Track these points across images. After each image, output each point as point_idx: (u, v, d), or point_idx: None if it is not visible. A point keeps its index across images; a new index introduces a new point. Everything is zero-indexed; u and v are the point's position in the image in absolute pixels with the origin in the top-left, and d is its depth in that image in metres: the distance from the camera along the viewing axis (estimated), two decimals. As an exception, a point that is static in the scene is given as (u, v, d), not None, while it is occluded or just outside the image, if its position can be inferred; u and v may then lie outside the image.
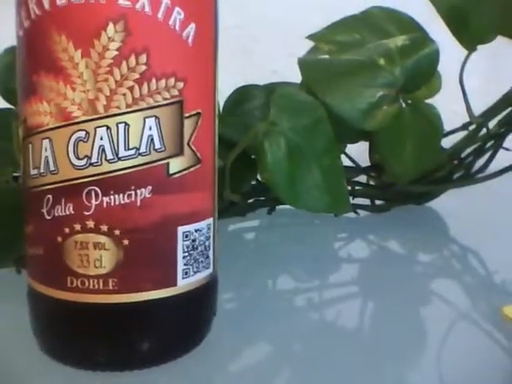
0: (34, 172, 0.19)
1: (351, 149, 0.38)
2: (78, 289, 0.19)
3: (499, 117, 0.38)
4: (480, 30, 0.33)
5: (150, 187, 0.19)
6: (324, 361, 0.22)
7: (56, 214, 0.19)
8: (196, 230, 0.20)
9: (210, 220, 0.21)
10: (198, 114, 0.20)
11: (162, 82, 0.18)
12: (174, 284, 0.20)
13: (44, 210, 0.19)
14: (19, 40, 0.19)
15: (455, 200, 0.42)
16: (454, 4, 0.33)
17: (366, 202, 0.41)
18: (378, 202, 0.41)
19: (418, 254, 0.36)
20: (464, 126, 0.38)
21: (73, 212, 0.18)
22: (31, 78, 0.19)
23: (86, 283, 0.19)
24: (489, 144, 0.39)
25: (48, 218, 0.19)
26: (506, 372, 0.22)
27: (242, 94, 0.32)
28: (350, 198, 0.39)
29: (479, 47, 0.35)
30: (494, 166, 0.39)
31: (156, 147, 0.19)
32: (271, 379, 0.21)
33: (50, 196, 0.19)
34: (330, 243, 0.38)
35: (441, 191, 0.39)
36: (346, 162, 0.39)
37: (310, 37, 0.34)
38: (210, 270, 0.21)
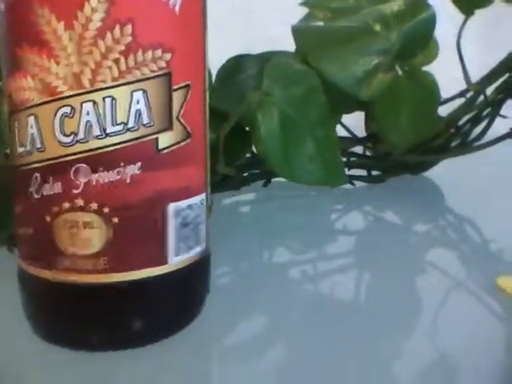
0: (20, 150, 0.19)
1: (348, 119, 0.37)
2: (69, 269, 0.18)
3: (497, 83, 0.37)
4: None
5: (139, 163, 0.18)
6: (320, 332, 0.22)
7: (44, 193, 0.18)
8: (188, 207, 0.20)
9: (203, 196, 0.21)
10: (187, 86, 0.19)
11: (149, 54, 0.18)
12: (166, 262, 0.19)
13: (32, 189, 0.18)
14: (0, 13, 0.18)
15: (452, 169, 0.42)
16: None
17: (362, 172, 0.40)
18: (374, 173, 0.40)
19: (414, 224, 0.36)
20: (461, 94, 0.38)
21: (61, 191, 0.18)
22: (14, 53, 0.18)
23: (77, 263, 0.18)
24: (486, 111, 0.38)
25: (36, 197, 0.18)
26: (501, 341, 0.22)
27: (235, 64, 0.31)
28: (346, 169, 0.39)
29: (478, 12, 0.34)
30: (491, 134, 0.39)
31: (144, 122, 0.18)
32: (267, 352, 0.21)
33: (37, 174, 0.18)
34: (326, 214, 0.38)
35: (437, 160, 0.39)
36: (342, 132, 0.39)
37: (304, 3, 0.33)
38: (203, 247, 0.21)
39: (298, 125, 0.26)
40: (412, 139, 0.34)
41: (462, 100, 0.38)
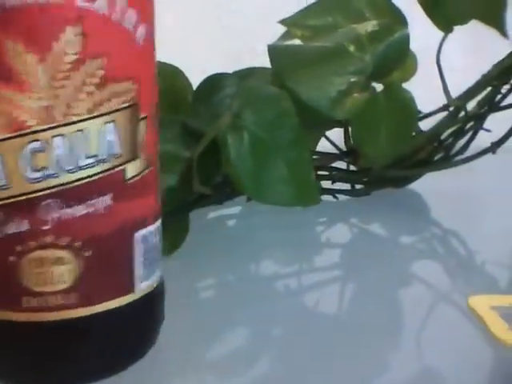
0: None
1: (333, 132, 0.37)
2: (35, 308, 0.18)
3: (481, 96, 0.38)
4: (455, 11, 0.32)
5: (110, 194, 0.18)
6: (305, 345, 0.22)
7: (9, 232, 0.18)
8: (150, 233, 0.20)
9: (159, 221, 0.21)
10: (148, 115, 0.19)
11: (121, 85, 0.18)
12: (133, 290, 0.20)
13: None
14: None
15: (436, 181, 0.42)
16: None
17: (346, 186, 0.40)
18: (357, 187, 0.40)
19: (399, 237, 0.36)
20: (444, 107, 0.38)
21: (28, 228, 0.18)
22: None
23: (45, 301, 0.18)
24: (469, 125, 0.38)
25: None
26: (486, 355, 0.22)
27: (213, 83, 0.31)
28: (329, 182, 0.39)
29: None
30: (475, 146, 0.39)
31: (115, 153, 0.18)
32: (251, 364, 0.21)
33: (1, 213, 0.18)
34: (311, 228, 0.38)
35: (419, 175, 0.39)
36: (327, 146, 0.39)
37: (282, 22, 0.33)
38: (160, 271, 0.21)
39: (268, 147, 0.26)
40: (391, 155, 0.34)
41: (445, 113, 0.38)
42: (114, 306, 0.19)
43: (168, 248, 0.29)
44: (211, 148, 0.28)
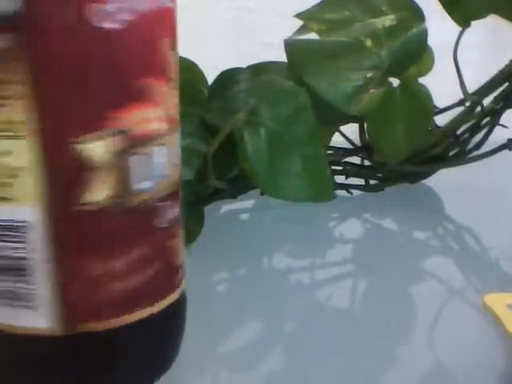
0: (143, 186, 0.17)
1: (347, 127, 0.37)
2: None
3: (497, 92, 0.37)
4: (473, 6, 0.31)
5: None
6: (317, 340, 0.22)
7: (172, 218, 0.19)
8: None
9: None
10: None
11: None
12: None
13: (158, 221, 0.18)
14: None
15: (451, 176, 0.42)
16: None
17: (360, 181, 0.40)
18: (371, 182, 0.40)
19: (413, 232, 0.36)
20: (460, 102, 0.38)
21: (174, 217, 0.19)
22: (136, 83, 0.17)
23: None
24: (485, 120, 0.38)
25: (163, 226, 0.19)
26: (498, 352, 0.22)
27: (228, 78, 0.31)
28: (343, 177, 0.39)
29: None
30: (491, 141, 0.38)
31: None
32: (263, 358, 0.21)
33: (167, 203, 0.18)
34: (324, 222, 0.38)
35: (434, 170, 0.39)
36: (341, 141, 0.39)
37: (299, 15, 0.33)
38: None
39: (285, 143, 0.26)
40: (407, 151, 0.34)
41: (462, 108, 0.38)
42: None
43: (184, 241, 0.29)
44: (227, 143, 0.28)
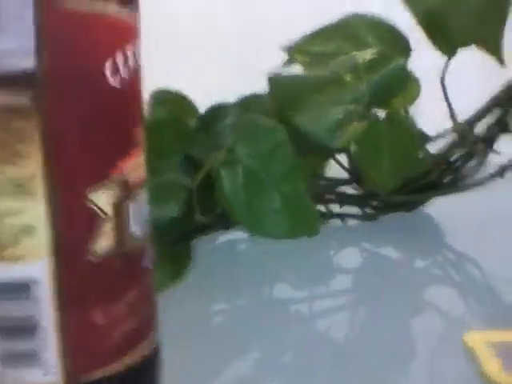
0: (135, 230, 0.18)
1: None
2: None
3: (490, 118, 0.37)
4: (456, 36, 0.32)
5: None
6: (316, 371, 0.22)
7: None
8: None
9: None
10: None
11: None
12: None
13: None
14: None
15: (449, 202, 0.41)
16: (429, 8, 0.32)
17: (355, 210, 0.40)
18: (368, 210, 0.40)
19: (411, 261, 0.36)
20: (453, 130, 0.37)
21: None
22: (132, 132, 0.18)
23: None
24: (479, 147, 0.38)
25: None
26: None
27: (215, 112, 0.32)
28: (337, 206, 0.39)
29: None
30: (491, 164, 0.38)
31: None
32: None
33: None
34: (323, 252, 0.38)
35: (427, 199, 0.38)
36: (336, 170, 0.39)
37: (286, 49, 0.34)
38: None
39: (262, 180, 0.27)
40: (394, 181, 0.34)
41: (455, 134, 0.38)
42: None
43: (170, 277, 0.29)
44: (210, 178, 0.29)
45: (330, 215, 0.39)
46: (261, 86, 0.35)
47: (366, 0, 0.43)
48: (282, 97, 0.30)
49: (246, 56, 0.58)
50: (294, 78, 0.31)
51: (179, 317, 0.27)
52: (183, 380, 0.21)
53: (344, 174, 0.38)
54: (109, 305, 0.17)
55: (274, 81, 0.30)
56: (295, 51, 0.34)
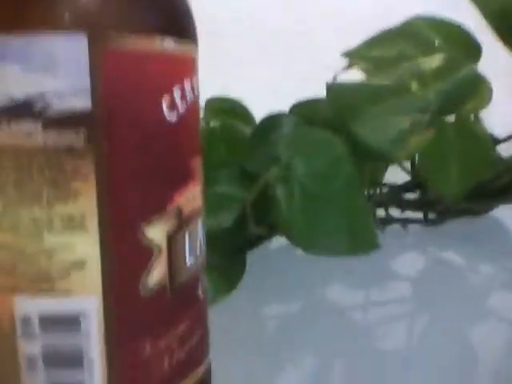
0: (191, 261, 0.18)
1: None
2: None
3: None
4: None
5: None
6: (369, 381, 0.21)
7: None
8: None
9: None
10: None
11: None
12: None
13: (200, 291, 0.19)
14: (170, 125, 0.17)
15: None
16: (502, 7, 0.29)
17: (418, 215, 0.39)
18: (431, 216, 0.38)
19: (477, 267, 0.34)
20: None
21: None
22: (188, 164, 0.18)
23: None
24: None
25: (203, 296, 0.19)
26: None
27: (270, 122, 0.31)
28: (399, 211, 0.38)
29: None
30: None
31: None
32: None
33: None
34: (383, 257, 0.37)
35: (495, 205, 0.36)
36: (400, 174, 0.37)
37: (346, 54, 0.32)
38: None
39: (321, 200, 0.26)
40: (462, 191, 0.32)
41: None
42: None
43: (224, 289, 0.29)
44: (265, 191, 0.28)
45: (391, 220, 0.38)
46: (320, 93, 0.34)
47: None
48: (341, 105, 0.28)
49: (305, 62, 0.57)
50: (353, 87, 0.29)
51: (232, 321, 0.27)
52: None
53: (405, 178, 0.37)
54: (160, 337, 0.17)
55: (333, 89, 0.29)
56: (355, 56, 0.32)
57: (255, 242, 0.32)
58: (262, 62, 0.54)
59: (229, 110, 0.33)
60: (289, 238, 0.26)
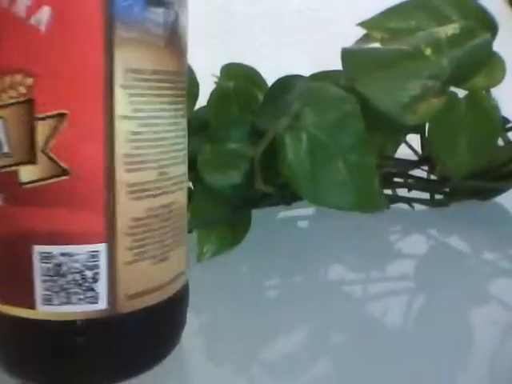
0: None
1: (415, 137, 0.36)
2: None
3: None
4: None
5: (1, 195, 0.17)
6: (364, 354, 0.21)
7: None
8: (63, 254, 0.17)
9: (99, 247, 0.17)
10: (62, 115, 0.16)
11: (7, 79, 0.16)
12: (33, 307, 0.17)
13: None
14: None
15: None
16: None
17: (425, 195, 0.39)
18: (438, 196, 0.39)
19: (479, 252, 0.34)
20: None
21: None
22: None
23: None
24: None
25: None
26: None
27: (283, 84, 0.31)
28: (405, 190, 0.38)
29: None
30: None
31: (4, 151, 0.16)
32: (306, 367, 0.21)
33: None
34: (385, 236, 0.37)
35: (504, 189, 0.36)
36: (409, 153, 0.37)
37: (362, 24, 0.33)
38: (99, 307, 0.17)
39: (328, 150, 0.26)
40: (469, 167, 0.32)
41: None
42: (10, 314, 0.17)
43: (229, 242, 0.29)
44: (274, 148, 0.28)
45: (398, 199, 0.38)
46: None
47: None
48: (355, 69, 0.29)
49: (321, 34, 0.58)
50: (368, 51, 0.30)
51: (233, 286, 0.27)
52: (227, 350, 0.21)
53: (414, 157, 0.37)
54: None
55: (347, 53, 0.29)
56: (371, 26, 0.33)
57: (262, 200, 0.32)
58: (282, 44, 0.55)
59: (243, 75, 0.33)
60: (294, 186, 0.26)
